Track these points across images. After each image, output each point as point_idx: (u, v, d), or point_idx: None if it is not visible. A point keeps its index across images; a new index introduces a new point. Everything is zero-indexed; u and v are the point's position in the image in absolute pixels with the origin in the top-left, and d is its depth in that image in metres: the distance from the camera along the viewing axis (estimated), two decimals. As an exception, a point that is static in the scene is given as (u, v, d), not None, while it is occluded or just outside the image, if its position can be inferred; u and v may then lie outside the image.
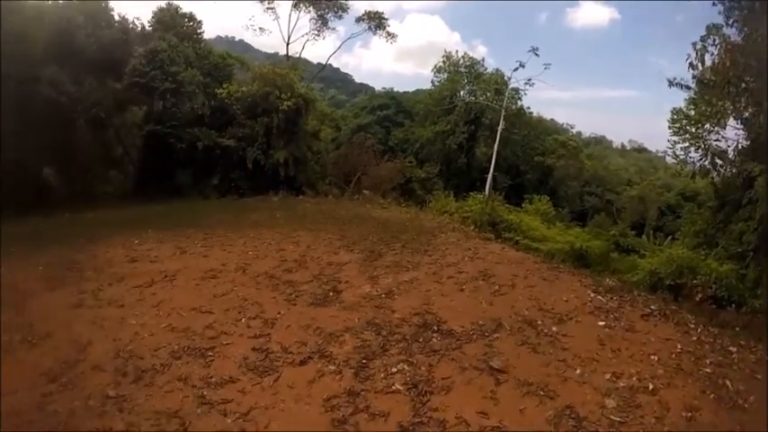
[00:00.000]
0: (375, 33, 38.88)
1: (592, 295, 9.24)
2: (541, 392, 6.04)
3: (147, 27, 24.86)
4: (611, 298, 9.20)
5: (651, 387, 6.28)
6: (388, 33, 39.03)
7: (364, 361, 6.61)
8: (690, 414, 5.82)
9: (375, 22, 38.11)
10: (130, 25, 23.90)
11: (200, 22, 26.56)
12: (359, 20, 38.09)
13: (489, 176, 30.08)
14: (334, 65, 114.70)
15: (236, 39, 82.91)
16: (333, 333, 7.47)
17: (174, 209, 18.47)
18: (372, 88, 78.41)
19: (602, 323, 8.07)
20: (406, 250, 11.84)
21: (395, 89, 55.93)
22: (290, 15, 36.81)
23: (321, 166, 27.77)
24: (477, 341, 7.27)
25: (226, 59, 26.66)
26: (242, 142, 22.41)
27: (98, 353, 7.14)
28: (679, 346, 7.47)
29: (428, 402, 5.75)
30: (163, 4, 25.67)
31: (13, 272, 10.80)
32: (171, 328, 7.92)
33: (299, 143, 23.64)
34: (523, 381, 6.27)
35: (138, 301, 9.03)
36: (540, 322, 8.01)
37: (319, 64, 46.45)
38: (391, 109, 47.50)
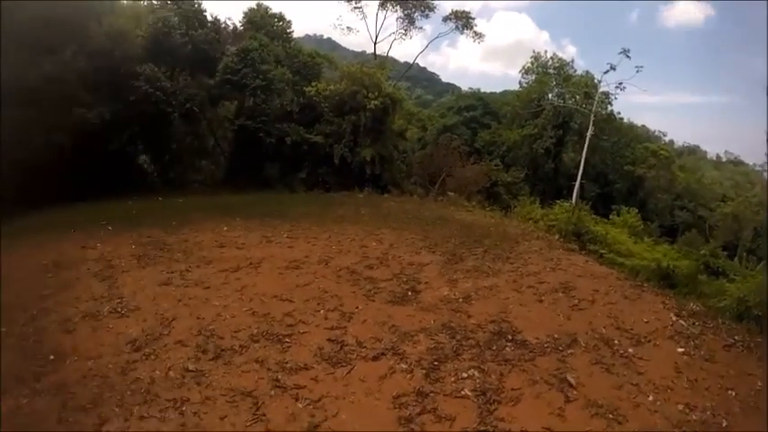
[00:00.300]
0: (462, 33, 38.63)
1: (674, 318, 8.71)
2: (610, 416, 5.86)
3: (238, 27, 26.39)
4: (694, 323, 8.61)
5: (725, 424, 5.91)
6: (476, 33, 38.52)
7: (436, 363, 6.70)
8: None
9: (462, 21, 37.82)
10: (222, 25, 25.47)
11: (289, 21, 27.85)
12: (446, 19, 37.94)
13: (576, 184, 29.12)
14: (421, 64, 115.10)
15: (324, 37, 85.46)
16: (408, 332, 7.58)
17: (262, 199, 19.38)
18: (459, 88, 77.77)
19: (681, 349, 7.61)
20: (487, 256, 11.73)
21: (482, 89, 55.21)
22: (376, 14, 37.39)
23: (407, 166, 27.99)
24: (551, 355, 7.14)
25: (314, 58, 27.54)
26: (329, 139, 23.12)
27: (182, 329, 7.75)
28: (759, 384, 6.88)
29: (495, 411, 5.76)
30: (253, 5, 27.22)
31: (108, 248, 11.86)
32: (252, 312, 8.39)
33: (386, 142, 24.04)
34: (593, 401, 6.11)
35: (222, 285, 9.63)
36: (616, 342, 7.72)
37: (406, 63, 46.69)
38: (478, 110, 46.86)
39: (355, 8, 37.02)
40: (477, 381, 6.29)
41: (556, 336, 7.59)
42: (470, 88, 57.12)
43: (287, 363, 6.71)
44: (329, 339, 7.38)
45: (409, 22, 37.22)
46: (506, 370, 6.60)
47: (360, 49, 53.46)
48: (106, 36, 19.07)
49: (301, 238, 13.04)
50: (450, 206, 20.14)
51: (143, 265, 10.76)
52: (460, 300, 8.98)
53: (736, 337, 8.32)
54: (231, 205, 17.25)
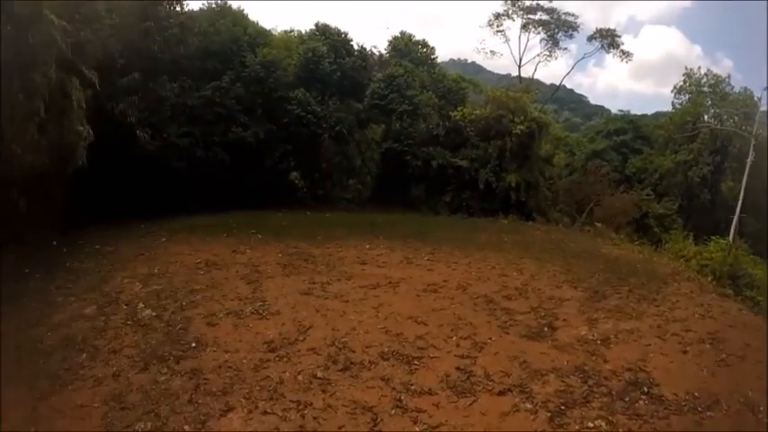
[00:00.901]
0: (608, 52, 37.36)
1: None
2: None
3: (384, 54, 27.71)
4: None
5: None
6: (623, 52, 37.17)
7: (563, 407, 6.34)
8: None
9: (607, 40, 36.60)
10: (369, 53, 26.89)
11: (432, 48, 28.53)
12: (590, 38, 37.02)
13: (735, 218, 25.98)
14: (568, 86, 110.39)
15: (469, 61, 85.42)
16: (538, 370, 7.26)
17: (405, 220, 19.81)
18: (608, 110, 72.82)
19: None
20: (632, 296, 10.82)
21: (632, 111, 51.21)
22: (519, 37, 37.27)
23: (553, 193, 26.88)
24: (687, 415, 6.39)
25: (459, 83, 28.00)
26: (474, 163, 23.14)
27: (316, 337, 8.18)
28: None
29: None
30: (397, 33, 28.32)
31: (257, 254, 12.93)
32: (385, 330, 8.59)
33: (532, 168, 23.46)
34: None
35: (360, 300, 10.00)
36: (762, 409, 6.65)
37: (552, 85, 45.49)
38: (628, 134, 43.51)
39: (498, 31, 37.36)
40: None
41: (696, 394, 6.76)
42: (620, 110, 53.75)
43: (412, 384, 6.76)
44: (457, 368, 7.31)
45: (553, 43, 36.98)
46: (636, 426, 6.04)
47: (504, 72, 53.16)
48: (261, 65, 21.49)
49: (442, 261, 13.08)
50: (597, 238, 19.08)
51: (287, 273, 11.55)
52: (598, 341, 8.42)
53: None
54: (375, 224, 17.83)
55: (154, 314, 8.86)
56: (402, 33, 27.78)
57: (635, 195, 30.20)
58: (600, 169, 29.71)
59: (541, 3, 35.81)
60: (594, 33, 36.88)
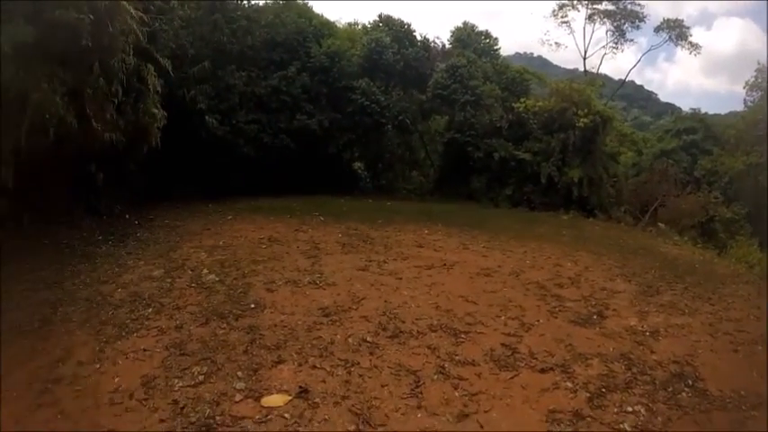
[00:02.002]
0: (677, 45, 35.80)
1: None
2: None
3: (446, 45, 27.73)
4: None
5: None
6: (691, 44, 35.59)
7: (603, 390, 6.22)
8: None
9: (676, 31, 35.14)
10: (431, 44, 27.01)
11: (495, 38, 28.32)
12: (657, 30, 35.62)
13: None
14: (638, 81, 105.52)
15: (534, 55, 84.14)
16: (583, 354, 7.18)
17: (465, 210, 19.90)
18: (679, 108, 69.43)
19: None
20: (686, 293, 10.42)
21: (703, 110, 48.62)
22: (584, 29, 36.49)
23: (617, 191, 26.05)
24: (730, 412, 6.08)
25: (522, 74, 27.61)
26: (537, 157, 22.85)
27: (369, 307, 8.43)
28: None
29: None
30: (460, 24, 28.27)
31: (318, 234, 13.50)
32: (436, 306, 8.74)
33: (595, 163, 22.85)
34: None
35: (414, 278, 10.20)
36: None
37: (621, 80, 43.76)
38: (699, 134, 41.24)
39: (562, 22, 36.82)
40: (641, 418, 5.68)
41: (742, 393, 6.42)
42: (691, 109, 51.21)
43: (456, 355, 6.87)
44: (502, 344, 7.34)
45: (619, 34, 35.93)
46: (675, 416, 5.83)
47: (572, 66, 51.43)
48: (325, 55, 22.18)
49: (497, 249, 13.10)
50: (658, 238, 18.46)
51: (346, 251, 11.94)
52: (647, 333, 8.19)
53: None
54: (435, 212, 18.01)
55: (217, 279, 9.39)
56: (465, 24, 27.79)
57: (702, 198, 28.96)
58: (667, 169, 28.74)
59: None
60: (662, 24, 35.58)
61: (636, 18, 35.27)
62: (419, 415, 5.46)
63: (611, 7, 35.10)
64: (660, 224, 22.45)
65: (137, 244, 11.82)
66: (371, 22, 26.43)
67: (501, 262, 11.88)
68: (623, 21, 35.36)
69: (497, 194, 23.32)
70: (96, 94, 11.34)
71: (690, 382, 6.58)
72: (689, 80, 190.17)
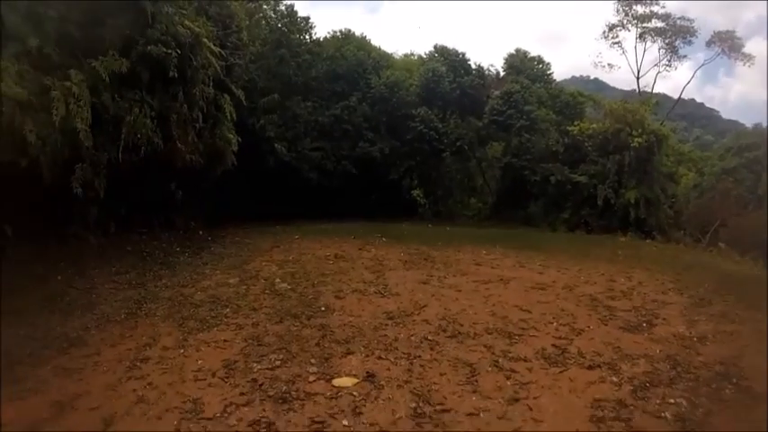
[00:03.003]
0: (729, 57, 34.63)
1: None
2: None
3: (500, 72, 28.43)
4: None
5: None
6: (744, 55, 34.25)
7: (647, 384, 6.46)
8: None
9: (727, 43, 34.05)
10: (486, 71, 27.88)
11: (548, 63, 28.76)
12: (709, 44, 34.68)
13: None
14: (698, 99, 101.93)
15: (591, 77, 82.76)
16: (630, 355, 7.42)
17: (523, 234, 20.11)
18: (743, 125, 66.30)
19: None
20: (739, 304, 10.31)
21: (764, 125, 46.58)
22: (635, 48, 36.15)
23: (676, 212, 25.49)
24: None
25: (576, 98, 27.93)
26: (593, 179, 22.84)
27: (430, 313, 8.96)
28: None
29: None
30: (513, 51, 28.74)
31: (381, 252, 14.16)
32: (492, 313, 9.17)
33: (652, 183, 22.50)
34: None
35: (472, 291, 10.65)
36: None
37: (678, 98, 42.87)
38: (761, 149, 39.78)
39: (614, 43, 36.62)
40: (684, 409, 5.87)
41: None
42: (755, 124, 49.26)
43: (510, 353, 7.28)
44: (553, 345, 7.69)
45: (672, 51, 35.18)
46: (717, 408, 5.99)
47: (629, 88, 50.66)
48: (385, 85, 23.36)
49: (553, 267, 13.34)
50: (718, 257, 18.05)
51: (408, 267, 12.53)
52: (695, 338, 8.29)
53: None
54: (493, 236, 18.34)
55: (289, 287, 10.14)
56: (517, 50, 28.34)
57: (764, 215, 28.07)
58: (728, 189, 28.07)
59: (655, 9, 34.55)
60: (713, 37, 34.77)
61: (687, 33, 34.72)
62: (474, 398, 5.92)
63: (660, 24, 34.79)
64: (721, 244, 21.91)
65: (211, 257, 12.79)
66: (427, 52, 27.58)
67: (555, 278, 12.14)
68: (674, 37, 34.83)
69: (554, 218, 23.49)
70: (180, 119, 12.52)
71: (734, 380, 6.69)
72: (751, 94, 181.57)
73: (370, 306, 9.21)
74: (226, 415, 5.44)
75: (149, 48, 11.31)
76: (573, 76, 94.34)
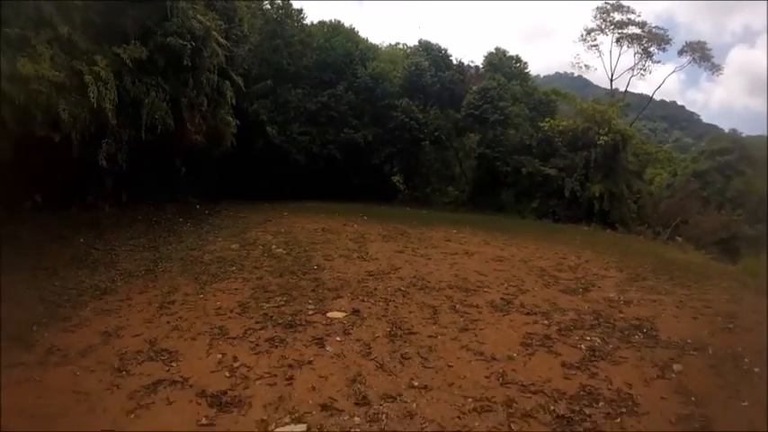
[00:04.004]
0: (700, 66, 36.94)
1: None
2: None
3: (480, 68, 29.98)
4: None
5: None
6: (713, 65, 37.14)
7: (571, 327, 8.25)
8: None
9: (698, 53, 36.41)
10: (466, 67, 29.60)
11: (525, 63, 30.35)
12: (681, 52, 37.07)
13: None
14: (679, 102, 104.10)
15: (575, 74, 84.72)
16: (563, 308, 9.25)
17: (493, 219, 21.89)
18: (721, 130, 68.93)
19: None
20: (670, 282, 11.92)
21: (746, 131, 49.29)
22: (610, 52, 38.33)
23: (639, 207, 27.17)
24: (673, 350, 7.64)
25: (549, 96, 29.69)
26: (562, 172, 24.49)
27: (403, 273, 10.85)
28: None
29: (595, 362, 6.98)
30: (492, 49, 30.27)
31: (362, 228, 15.97)
32: (455, 275, 11.07)
33: (617, 179, 24.28)
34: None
35: (440, 260, 12.48)
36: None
37: (663, 101, 45.18)
38: (734, 154, 41.79)
39: (592, 46, 38.66)
40: (595, 344, 7.60)
41: (689, 340, 8.01)
42: (730, 129, 51.91)
43: (465, 301, 9.19)
44: (501, 298, 9.55)
45: (647, 56, 37.28)
46: (624, 345, 7.66)
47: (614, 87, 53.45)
48: (370, 76, 24.81)
49: (514, 245, 15.15)
50: (670, 248, 19.93)
51: (386, 240, 14.38)
52: (621, 302, 9.98)
53: None
54: (465, 220, 20.12)
55: (284, 252, 11.93)
56: (497, 49, 29.85)
57: (725, 216, 29.98)
58: (689, 188, 29.80)
59: (632, 17, 36.57)
60: (685, 47, 37.06)
61: (661, 41, 36.84)
62: (434, 327, 7.85)
63: (637, 31, 36.78)
64: (678, 238, 23.61)
65: (211, 227, 14.51)
66: (411, 46, 29.31)
67: (514, 253, 13.98)
68: (650, 43, 36.88)
69: (524, 207, 25.06)
70: (189, 102, 14.08)
71: (645, 330, 8.41)
72: (732, 100, 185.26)
73: (354, 267, 11.04)
74: (247, 335, 7.20)
75: (168, 39, 12.80)
76: (557, 72, 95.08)
